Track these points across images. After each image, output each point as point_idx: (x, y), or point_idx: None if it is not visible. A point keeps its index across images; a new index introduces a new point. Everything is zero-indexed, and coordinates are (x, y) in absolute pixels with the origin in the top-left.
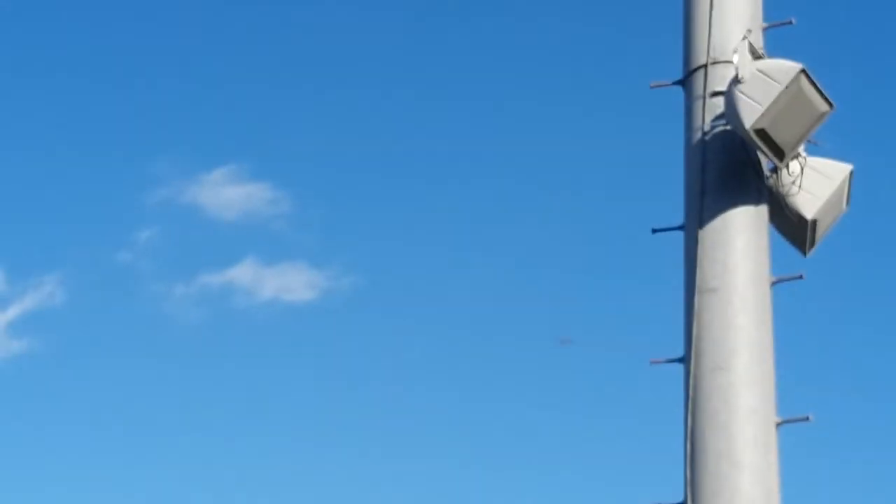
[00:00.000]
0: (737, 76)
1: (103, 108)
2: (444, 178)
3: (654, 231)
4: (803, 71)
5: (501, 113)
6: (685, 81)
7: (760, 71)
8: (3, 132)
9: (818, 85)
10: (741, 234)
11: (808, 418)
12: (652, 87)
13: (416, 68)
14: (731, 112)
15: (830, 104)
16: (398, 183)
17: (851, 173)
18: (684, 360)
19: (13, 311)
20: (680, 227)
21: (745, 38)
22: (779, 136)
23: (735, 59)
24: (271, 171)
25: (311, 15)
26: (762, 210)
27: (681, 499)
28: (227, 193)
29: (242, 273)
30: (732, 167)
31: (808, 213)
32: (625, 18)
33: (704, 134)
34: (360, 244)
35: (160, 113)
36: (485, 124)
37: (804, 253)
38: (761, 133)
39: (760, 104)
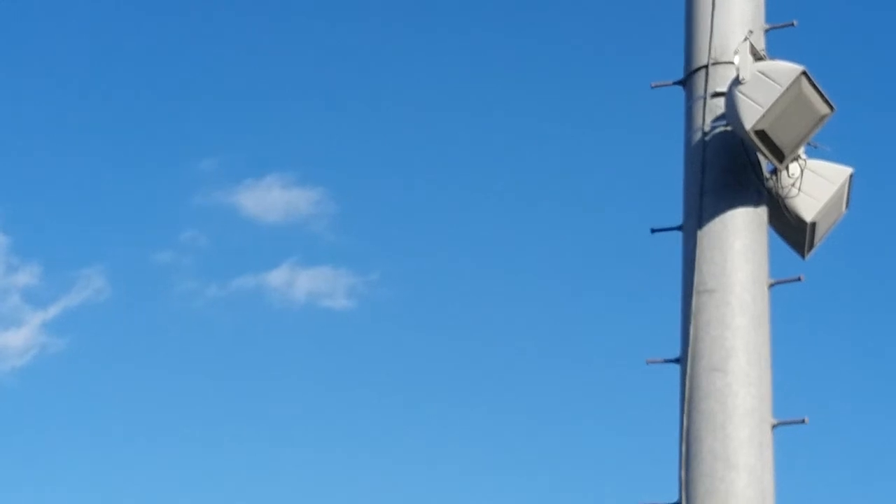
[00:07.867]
0: (738, 77)
1: (160, 110)
2: (488, 190)
3: (654, 231)
4: (804, 73)
5: (508, 115)
6: (686, 81)
7: (761, 72)
8: (54, 129)
9: (819, 87)
10: (740, 235)
11: (804, 421)
12: (653, 87)
13: (456, 78)
14: (731, 113)
15: (831, 106)
16: (441, 194)
17: (851, 176)
18: (681, 360)
19: (53, 310)
20: (679, 228)
21: (746, 39)
22: (779, 138)
23: (736, 59)
24: (319, 180)
25: (362, 24)
26: (761, 212)
27: (675, 499)
28: (272, 198)
29: (278, 277)
30: (732, 168)
31: (808, 215)
32: (626, 18)
33: (705, 134)
34: (401, 255)
35: (214, 117)
36: (493, 127)
37: (803, 255)
38: (761, 134)
39: (761, 105)
